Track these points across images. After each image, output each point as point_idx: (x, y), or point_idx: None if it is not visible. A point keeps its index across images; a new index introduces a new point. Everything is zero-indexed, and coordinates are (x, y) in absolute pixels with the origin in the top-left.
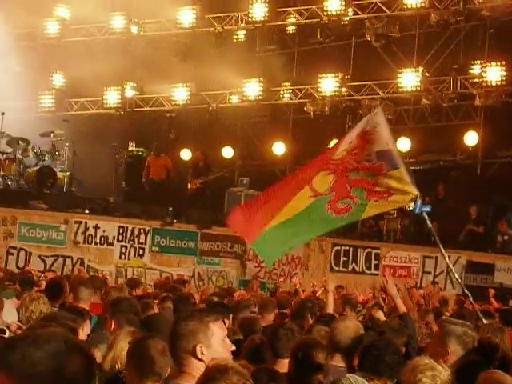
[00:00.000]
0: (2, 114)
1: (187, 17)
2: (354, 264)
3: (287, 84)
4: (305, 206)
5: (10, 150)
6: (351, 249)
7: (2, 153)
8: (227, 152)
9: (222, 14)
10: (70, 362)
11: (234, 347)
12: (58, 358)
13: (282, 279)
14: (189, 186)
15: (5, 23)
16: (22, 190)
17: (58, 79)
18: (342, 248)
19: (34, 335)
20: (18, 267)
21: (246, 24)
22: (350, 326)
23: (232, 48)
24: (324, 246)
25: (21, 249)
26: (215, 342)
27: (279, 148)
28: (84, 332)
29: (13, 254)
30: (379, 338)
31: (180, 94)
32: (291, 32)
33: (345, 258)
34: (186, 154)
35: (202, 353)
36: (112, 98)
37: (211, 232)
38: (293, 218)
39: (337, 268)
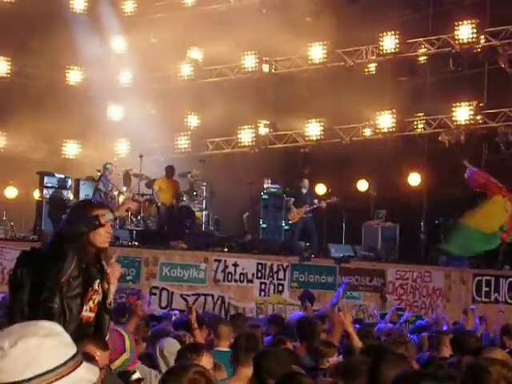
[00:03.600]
0: (141, 156)
1: (318, 52)
2: (496, 294)
3: (420, 114)
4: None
5: (149, 191)
6: (493, 279)
7: (142, 194)
8: (362, 185)
9: (352, 48)
10: None
11: None
12: None
13: (423, 311)
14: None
15: (140, 68)
16: (162, 230)
17: (193, 120)
18: (484, 278)
19: None
20: (160, 306)
21: (377, 56)
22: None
23: (363, 81)
24: (465, 277)
25: (163, 288)
26: None
27: (414, 179)
28: None
29: (155, 294)
30: None
31: (313, 130)
32: (422, 62)
33: (487, 289)
34: (321, 189)
35: None
36: (246, 136)
37: (349, 266)
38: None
39: (479, 298)
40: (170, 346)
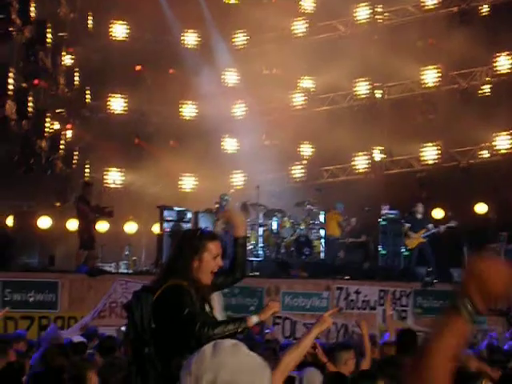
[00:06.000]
0: (257, 187)
1: (431, 76)
2: None
3: None
4: None
5: (268, 221)
6: None
7: (260, 225)
8: (481, 208)
9: (465, 70)
10: None
11: None
12: None
13: None
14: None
15: (252, 100)
16: (282, 260)
17: (307, 149)
18: None
19: None
20: (284, 336)
21: (492, 77)
22: None
23: (478, 102)
24: None
25: (286, 318)
26: None
27: None
28: None
29: (279, 324)
30: None
31: (429, 154)
32: None
33: None
34: (439, 213)
35: None
36: (361, 163)
37: None
38: None
39: None
40: (311, 375)
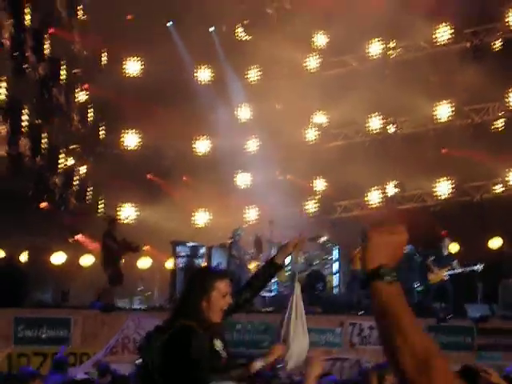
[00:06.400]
0: (271, 221)
1: (444, 111)
2: None
3: None
4: None
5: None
6: None
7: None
8: (495, 242)
9: (478, 105)
10: None
11: None
12: None
13: None
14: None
15: (266, 135)
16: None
17: (321, 184)
18: None
19: None
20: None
21: (505, 112)
22: None
23: (491, 137)
24: None
25: None
26: None
27: None
28: None
29: None
30: None
31: (442, 188)
32: None
33: None
34: (453, 248)
35: None
36: (374, 197)
37: (487, 326)
38: None
39: None
40: None
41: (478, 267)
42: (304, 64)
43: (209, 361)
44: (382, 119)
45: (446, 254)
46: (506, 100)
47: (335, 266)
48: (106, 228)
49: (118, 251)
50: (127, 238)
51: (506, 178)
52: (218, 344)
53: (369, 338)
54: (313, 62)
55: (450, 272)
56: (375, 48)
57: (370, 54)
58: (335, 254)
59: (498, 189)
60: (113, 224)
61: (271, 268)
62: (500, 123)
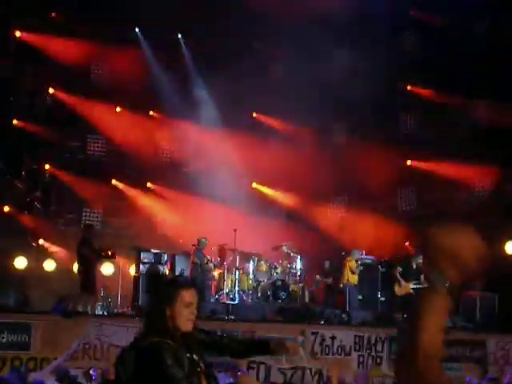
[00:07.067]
0: (235, 230)
1: None
2: None
3: None
4: None
5: (245, 264)
6: None
7: (238, 268)
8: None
9: None
10: None
11: None
12: None
13: None
14: None
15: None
16: (258, 304)
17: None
18: None
19: None
20: (258, 380)
21: None
22: None
23: None
24: None
25: (261, 362)
26: None
27: None
28: None
29: (253, 368)
30: None
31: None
32: None
33: None
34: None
35: None
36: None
37: (449, 338)
38: None
39: None
40: None
41: None
42: None
43: (183, 371)
44: None
45: (414, 267)
46: None
47: (299, 275)
48: (82, 235)
49: (93, 258)
50: (102, 245)
51: None
52: (193, 353)
53: (331, 347)
54: None
55: (416, 286)
56: None
57: None
58: (298, 262)
59: None
60: (89, 231)
61: (263, 351)
62: None
